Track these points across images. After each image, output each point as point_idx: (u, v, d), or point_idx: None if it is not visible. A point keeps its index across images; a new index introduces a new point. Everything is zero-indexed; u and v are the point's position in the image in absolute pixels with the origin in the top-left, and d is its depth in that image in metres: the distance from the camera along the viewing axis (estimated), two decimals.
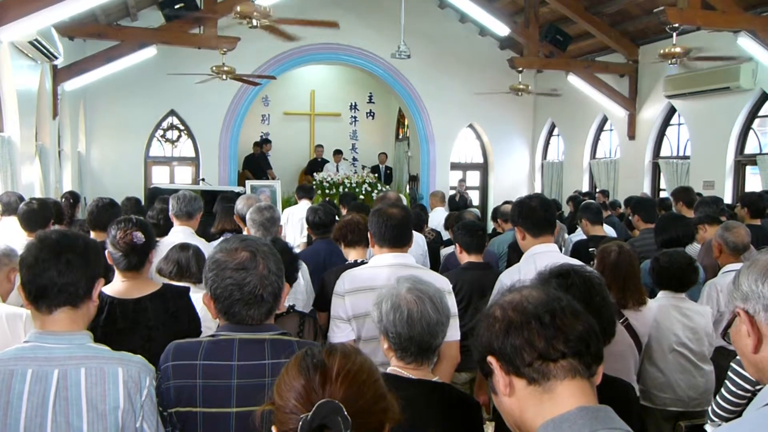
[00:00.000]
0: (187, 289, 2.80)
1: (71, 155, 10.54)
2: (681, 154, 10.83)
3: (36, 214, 4.17)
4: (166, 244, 3.72)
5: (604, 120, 12.60)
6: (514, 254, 4.74)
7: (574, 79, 11.62)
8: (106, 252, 2.52)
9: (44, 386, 1.72)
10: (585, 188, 12.52)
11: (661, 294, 3.49)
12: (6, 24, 5.87)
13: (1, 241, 3.07)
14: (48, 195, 7.86)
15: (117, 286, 2.59)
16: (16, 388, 1.71)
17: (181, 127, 13.06)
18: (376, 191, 11.21)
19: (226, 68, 9.25)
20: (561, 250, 4.00)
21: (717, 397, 2.84)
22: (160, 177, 13.00)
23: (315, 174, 12.23)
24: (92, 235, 3.91)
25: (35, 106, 8.03)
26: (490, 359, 1.31)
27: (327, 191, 11.24)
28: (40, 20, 6.17)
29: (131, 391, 1.77)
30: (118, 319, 2.48)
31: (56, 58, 7.93)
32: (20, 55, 7.27)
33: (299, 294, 3.58)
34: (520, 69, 10.95)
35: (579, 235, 6.01)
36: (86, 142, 11.99)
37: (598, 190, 11.73)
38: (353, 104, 16.05)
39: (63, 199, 6.24)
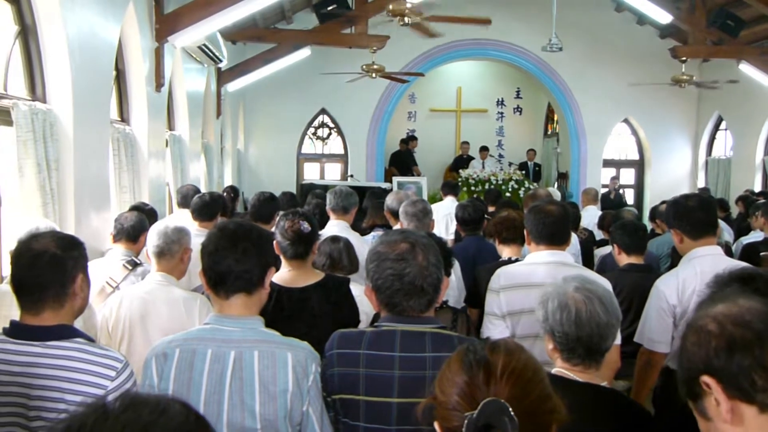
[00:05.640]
0: (348, 280, 2.91)
1: (231, 152, 11.28)
2: None
3: (207, 207, 4.48)
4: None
5: None
6: (678, 257, 4.41)
7: (746, 68, 10.59)
8: (274, 242, 2.65)
9: (222, 366, 1.82)
10: (757, 187, 11.41)
11: None
12: (179, 31, 6.35)
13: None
14: (212, 189, 8.46)
15: (283, 275, 2.73)
16: (198, 366, 1.82)
17: (331, 125, 13.55)
18: (522, 188, 10.96)
19: (375, 66, 9.43)
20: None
21: None
22: (310, 173, 13.59)
23: (460, 171, 12.16)
24: None
25: (202, 107, 8.65)
26: (708, 380, 1.14)
27: (473, 188, 11.14)
28: (208, 27, 6.60)
29: (299, 376, 1.83)
30: (285, 306, 2.62)
31: (221, 61, 8.45)
32: (190, 60, 7.86)
33: (451, 290, 3.56)
34: (684, 59, 10.19)
35: (750, 237, 5.52)
36: (244, 140, 12.78)
37: None
38: (500, 100, 15.77)
39: (225, 193, 6.68)
